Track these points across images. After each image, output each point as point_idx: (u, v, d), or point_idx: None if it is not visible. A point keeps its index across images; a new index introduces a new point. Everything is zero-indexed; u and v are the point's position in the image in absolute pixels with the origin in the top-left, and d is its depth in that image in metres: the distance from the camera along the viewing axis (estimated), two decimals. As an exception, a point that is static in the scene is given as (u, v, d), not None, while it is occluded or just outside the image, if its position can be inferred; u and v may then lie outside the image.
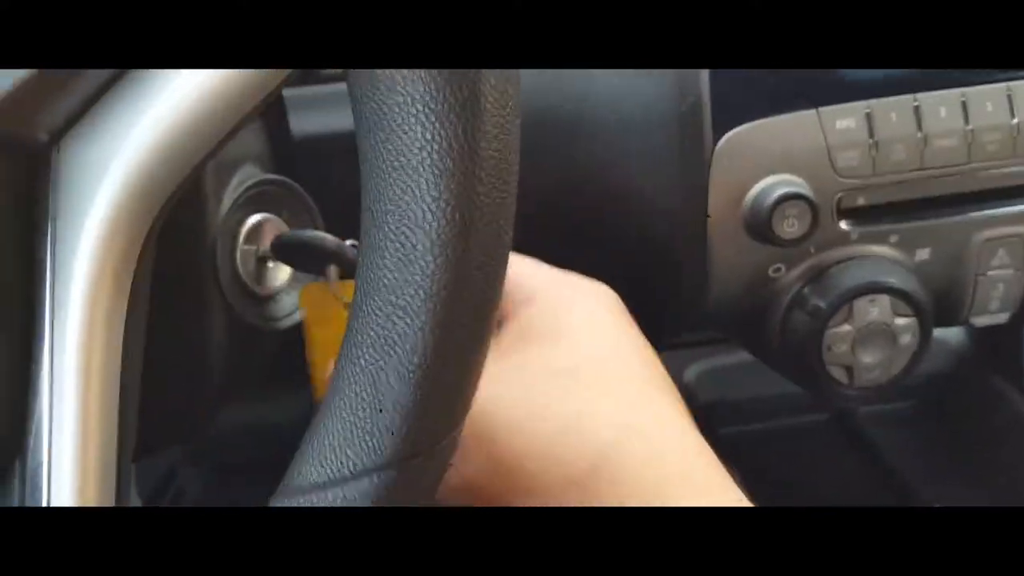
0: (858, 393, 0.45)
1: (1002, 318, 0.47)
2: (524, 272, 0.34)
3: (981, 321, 0.47)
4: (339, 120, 0.44)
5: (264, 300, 0.40)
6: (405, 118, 0.22)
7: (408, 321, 0.22)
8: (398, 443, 0.23)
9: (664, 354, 0.34)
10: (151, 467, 0.55)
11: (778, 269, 0.44)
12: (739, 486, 0.30)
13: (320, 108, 0.45)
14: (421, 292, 0.22)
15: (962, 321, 0.47)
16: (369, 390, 0.23)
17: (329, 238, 0.37)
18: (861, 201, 0.43)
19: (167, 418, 0.33)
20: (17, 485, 0.25)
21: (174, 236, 0.28)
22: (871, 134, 0.42)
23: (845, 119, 0.42)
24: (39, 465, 0.25)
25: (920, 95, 0.42)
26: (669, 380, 0.33)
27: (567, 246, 0.42)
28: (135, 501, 0.33)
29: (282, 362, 0.43)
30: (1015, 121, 0.43)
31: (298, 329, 0.41)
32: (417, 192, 0.22)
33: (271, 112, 0.43)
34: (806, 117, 0.42)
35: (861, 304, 0.43)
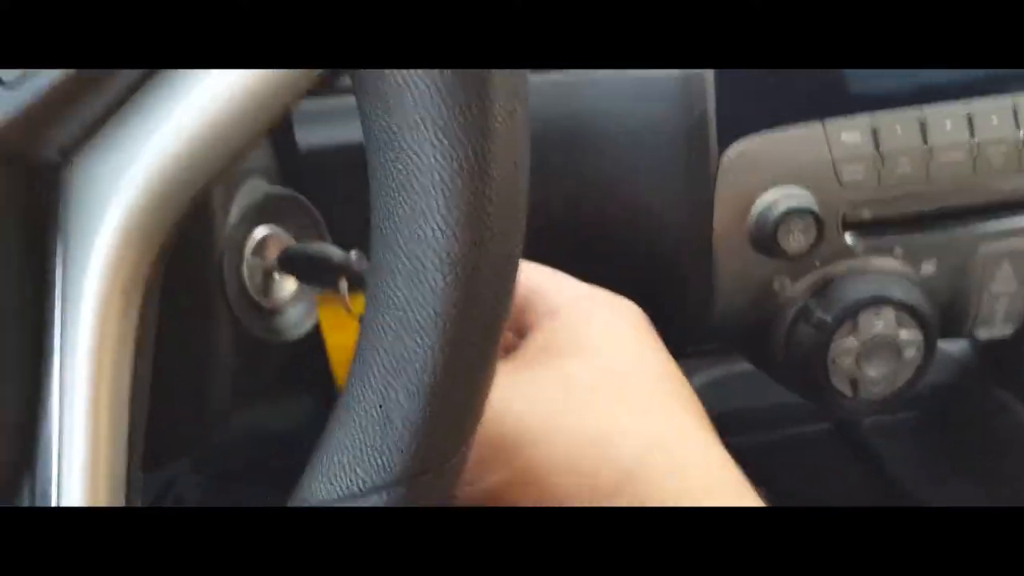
0: (862, 406, 0.45)
1: (1006, 331, 0.47)
2: (549, 285, 0.35)
3: (985, 334, 0.47)
4: (345, 133, 0.44)
5: (270, 313, 0.40)
6: (415, 138, 0.22)
7: (418, 339, 0.23)
8: (407, 460, 0.23)
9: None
10: (150, 474, 0.55)
11: (783, 282, 0.44)
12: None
13: (326, 121, 0.45)
14: (431, 311, 0.22)
15: (966, 334, 0.47)
16: (379, 408, 0.23)
17: (336, 251, 0.37)
18: (866, 214, 0.43)
19: (174, 431, 0.33)
20: (27, 501, 0.25)
21: (181, 250, 0.28)
22: (877, 147, 0.42)
23: (851, 132, 0.42)
24: (48, 480, 0.25)
25: (926, 108, 0.42)
26: (693, 394, 0.33)
27: (573, 259, 0.42)
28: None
29: (284, 372, 0.43)
30: (1021, 135, 0.43)
31: (304, 341, 0.41)
32: (427, 211, 0.22)
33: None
34: (811, 130, 0.42)
35: (866, 317, 0.43)
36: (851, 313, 0.43)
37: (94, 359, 0.25)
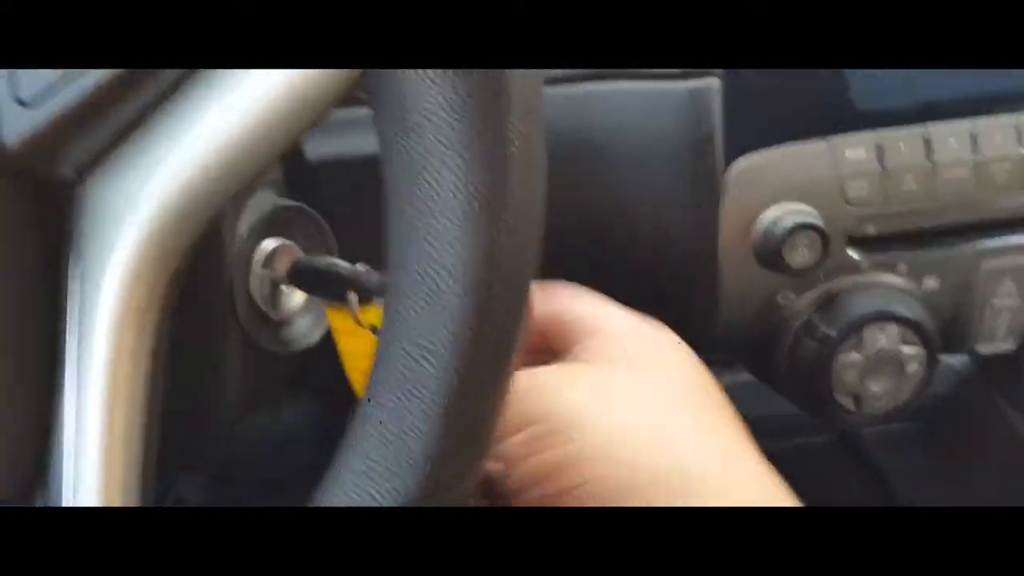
0: (864, 420, 0.46)
1: (1008, 346, 0.47)
2: (587, 307, 0.35)
3: (987, 349, 0.47)
4: (353, 145, 0.45)
5: (278, 325, 0.40)
6: (433, 162, 0.22)
7: (434, 362, 0.23)
8: (421, 481, 0.23)
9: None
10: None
11: (787, 296, 0.44)
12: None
13: (334, 133, 0.45)
14: (448, 334, 0.23)
15: (968, 349, 0.47)
16: (393, 429, 0.23)
17: (344, 265, 0.38)
18: (871, 230, 0.44)
19: (182, 444, 0.33)
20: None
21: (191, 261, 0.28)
22: (881, 164, 0.42)
23: (855, 149, 0.42)
24: (61, 492, 0.26)
25: (930, 126, 0.43)
26: (737, 417, 0.33)
27: (579, 271, 0.42)
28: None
29: (290, 380, 0.43)
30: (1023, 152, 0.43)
31: (310, 352, 0.41)
32: (444, 235, 0.22)
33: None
34: (817, 146, 0.43)
35: (870, 332, 0.43)
36: (855, 328, 0.43)
37: (109, 374, 0.25)
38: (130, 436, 0.26)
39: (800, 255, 0.42)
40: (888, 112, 0.43)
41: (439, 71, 0.22)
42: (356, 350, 0.39)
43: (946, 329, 0.46)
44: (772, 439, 0.34)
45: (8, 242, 0.25)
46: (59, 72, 0.24)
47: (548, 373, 0.33)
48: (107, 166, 0.25)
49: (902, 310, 0.43)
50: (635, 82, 0.43)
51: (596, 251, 0.44)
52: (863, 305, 0.43)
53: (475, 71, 0.22)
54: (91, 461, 0.25)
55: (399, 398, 0.23)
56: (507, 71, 0.22)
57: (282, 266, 0.39)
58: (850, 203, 0.43)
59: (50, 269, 0.26)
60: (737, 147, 0.42)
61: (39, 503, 0.26)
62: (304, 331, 0.41)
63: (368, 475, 0.23)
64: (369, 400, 0.24)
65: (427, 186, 0.22)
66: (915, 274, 0.45)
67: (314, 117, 0.24)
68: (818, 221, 0.42)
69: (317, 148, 0.45)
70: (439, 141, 0.22)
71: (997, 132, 0.43)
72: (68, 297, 0.26)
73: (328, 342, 0.41)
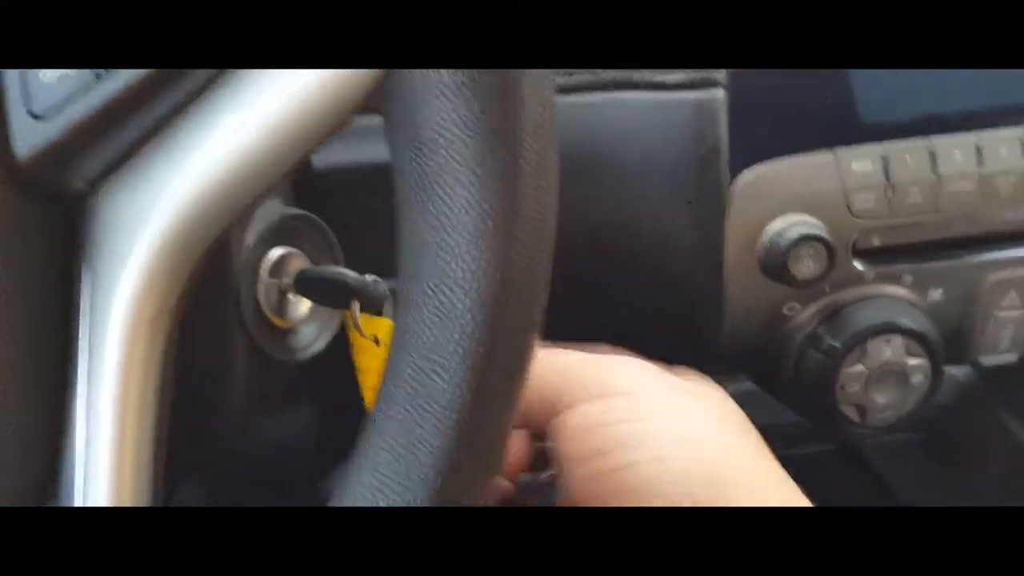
0: (869, 431, 0.46)
1: (1012, 358, 0.47)
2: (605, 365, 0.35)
3: (991, 360, 0.47)
4: (360, 154, 0.45)
5: (285, 333, 0.40)
6: (447, 179, 0.22)
7: (446, 377, 0.23)
8: (432, 495, 0.23)
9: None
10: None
11: (792, 308, 0.44)
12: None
13: (340, 142, 0.45)
14: (459, 349, 0.23)
15: (972, 360, 0.47)
16: (404, 443, 0.23)
17: (351, 274, 0.38)
18: (876, 242, 0.44)
19: (188, 451, 0.33)
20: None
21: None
22: (887, 176, 0.43)
23: (861, 161, 0.43)
24: (70, 498, 0.26)
25: (935, 139, 0.43)
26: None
27: (584, 283, 0.42)
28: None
29: (294, 388, 0.43)
30: (1028, 165, 0.43)
31: (312, 360, 0.41)
32: (457, 251, 0.22)
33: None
34: (822, 158, 0.43)
35: (875, 344, 0.43)
36: (860, 340, 0.43)
37: (120, 383, 0.26)
38: (140, 440, 0.26)
39: (805, 267, 0.42)
40: (894, 125, 0.43)
41: (452, 87, 0.22)
42: (373, 367, 0.39)
43: (950, 340, 0.46)
44: (775, 448, 0.34)
45: (20, 252, 0.25)
46: (71, 85, 0.24)
47: (634, 360, 0.34)
48: (120, 178, 0.25)
49: (907, 322, 0.44)
50: (640, 93, 0.43)
51: (601, 263, 0.44)
52: (868, 317, 0.43)
53: (488, 87, 0.22)
54: (102, 465, 0.26)
55: (409, 411, 0.23)
56: (520, 87, 0.23)
57: (289, 274, 0.39)
58: (856, 215, 0.43)
59: (62, 279, 0.26)
60: (743, 159, 0.42)
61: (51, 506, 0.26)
62: (310, 340, 0.41)
63: (379, 489, 0.23)
64: (379, 413, 0.24)
65: (440, 201, 0.22)
66: (920, 286, 0.45)
67: (333, 125, 0.24)
68: (823, 233, 0.42)
69: (324, 157, 0.45)
70: (452, 157, 0.22)
71: (1002, 145, 0.43)
72: (80, 306, 0.26)
73: (330, 350, 0.41)
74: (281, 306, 0.40)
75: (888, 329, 0.43)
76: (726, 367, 0.52)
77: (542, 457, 0.36)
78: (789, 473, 0.33)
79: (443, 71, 0.22)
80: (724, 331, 0.44)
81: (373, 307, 0.38)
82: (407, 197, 0.23)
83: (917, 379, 0.44)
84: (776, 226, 0.43)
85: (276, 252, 0.39)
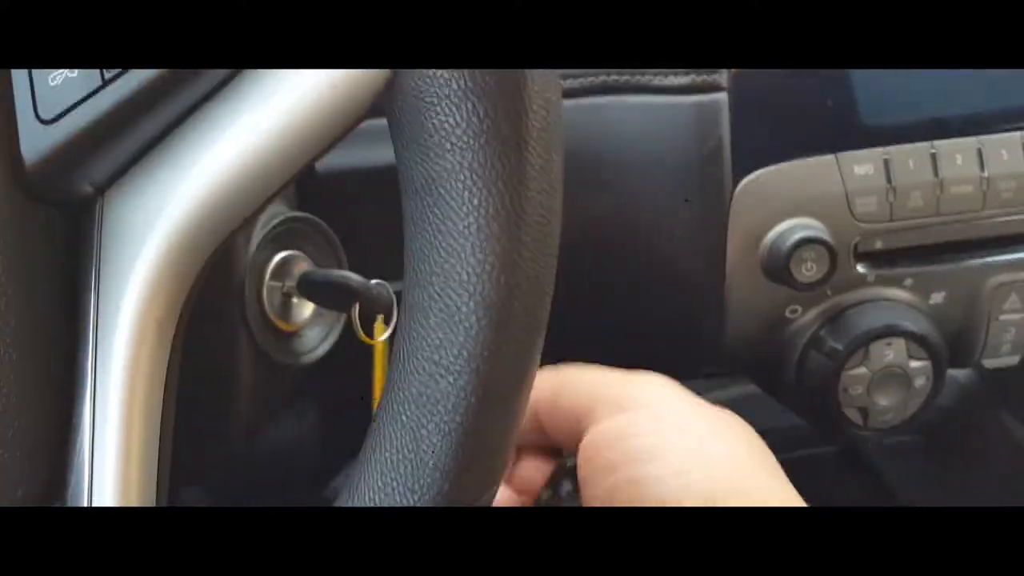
0: (871, 433, 0.46)
1: (1013, 360, 0.48)
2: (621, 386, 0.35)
3: (992, 363, 0.47)
4: (363, 157, 0.45)
5: (289, 336, 0.40)
6: (454, 184, 0.22)
7: (451, 380, 0.23)
8: (438, 500, 0.23)
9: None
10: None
11: (795, 310, 0.45)
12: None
13: (343, 144, 0.45)
14: (465, 353, 0.23)
15: (974, 363, 0.47)
16: (410, 446, 0.23)
17: (354, 277, 0.38)
18: (878, 245, 0.44)
19: (193, 455, 0.33)
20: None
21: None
22: (889, 180, 0.43)
23: (863, 165, 0.43)
24: (77, 500, 0.26)
25: (937, 143, 0.43)
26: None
27: (587, 285, 0.42)
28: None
29: (297, 392, 0.43)
30: (1030, 169, 0.43)
31: (318, 364, 0.41)
32: (462, 254, 0.23)
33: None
34: (825, 162, 0.43)
35: (877, 347, 0.43)
36: (863, 342, 0.43)
37: (126, 387, 0.26)
38: (147, 443, 0.26)
39: (808, 269, 0.42)
40: (896, 128, 0.43)
41: (458, 90, 0.22)
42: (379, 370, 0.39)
43: (952, 343, 0.46)
44: (776, 450, 0.34)
45: (27, 257, 0.25)
46: (78, 91, 0.24)
47: (660, 377, 0.34)
48: (127, 182, 0.25)
49: (909, 325, 0.44)
50: (643, 96, 0.43)
51: (604, 265, 0.44)
52: (870, 320, 0.44)
53: (494, 90, 0.22)
54: (108, 468, 0.26)
55: (416, 414, 0.23)
56: (526, 90, 0.23)
57: (293, 277, 0.39)
58: (858, 218, 0.43)
59: (69, 283, 0.26)
60: (745, 162, 0.43)
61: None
62: (314, 344, 0.41)
63: (385, 491, 0.23)
64: (384, 416, 0.24)
65: (445, 204, 0.22)
66: (922, 289, 0.45)
67: (342, 127, 0.24)
68: (826, 236, 0.42)
69: (327, 160, 0.44)
70: (458, 161, 0.22)
71: (1003, 149, 0.43)
72: (87, 310, 0.26)
73: (334, 354, 0.41)
74: (285, 309, 0.40)
75: (890, 332, 0.43)
76: (728, 369, 0.52)
77: (563, 473, 0.36)
78: (790, 475, 0.33)
79: (449, 73, 0.22)
80: (726, 333, 0.45)
81: (377, 310, 0.38)
82: (413, 200, 0.23)
83: (919, 382, 0.45)
84: (778, 229, 0.43)
85: (280, 255, 0.39)
